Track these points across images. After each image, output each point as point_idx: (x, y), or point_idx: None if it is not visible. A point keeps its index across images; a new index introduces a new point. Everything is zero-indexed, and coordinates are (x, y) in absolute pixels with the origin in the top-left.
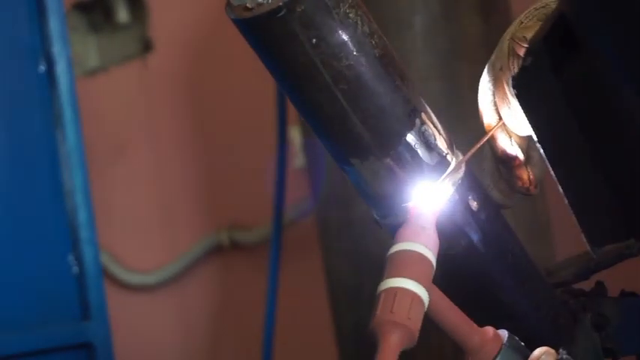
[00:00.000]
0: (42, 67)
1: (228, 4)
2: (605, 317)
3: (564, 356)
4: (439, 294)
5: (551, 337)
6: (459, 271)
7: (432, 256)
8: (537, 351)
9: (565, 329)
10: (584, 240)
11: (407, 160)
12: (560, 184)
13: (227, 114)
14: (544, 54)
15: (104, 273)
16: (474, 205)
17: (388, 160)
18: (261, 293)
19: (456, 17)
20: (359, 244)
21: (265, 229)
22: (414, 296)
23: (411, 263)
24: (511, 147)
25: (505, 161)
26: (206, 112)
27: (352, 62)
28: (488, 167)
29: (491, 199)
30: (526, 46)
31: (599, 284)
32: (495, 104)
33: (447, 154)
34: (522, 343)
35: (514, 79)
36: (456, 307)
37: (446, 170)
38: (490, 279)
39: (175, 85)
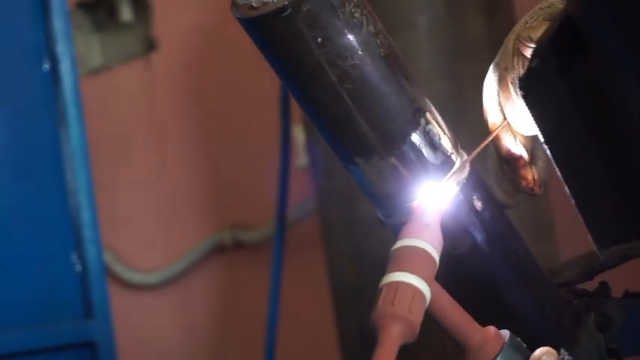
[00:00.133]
0: (46, 66)
1: (234, 3)
2: (608, 318)
3: (565, 357)
4: (441, 291)
5: (554, 337)
6: (463, 271)
7: (435, 254)
8: (538, 351)
9: (568, 329)
10: (591, 240)
11: (411, 159)
12: (567, 185)
13: (230, 113)
14: (551, 55)
15: (107, 272)
16: (478, 205)
17: (393, 160)
18: (264, 292)
19: (459, 17)
20: (362, 244)
21: (268, 229)
22: (416, 290)
23: (414, 258)
24: (516, 147)
25: (509, 161)
26: (209, 111)
27: (357, 62)
28: (492, 167)
29: (495, 199)
30: (531, 45)
31: (603, 285)
32: (500, 104)
33: (451, 153)
34: (524, 344)
35: (521, 79)
36: (457, 305)
37: (450, 170)
38: (494, 279)
39: (179, 84)
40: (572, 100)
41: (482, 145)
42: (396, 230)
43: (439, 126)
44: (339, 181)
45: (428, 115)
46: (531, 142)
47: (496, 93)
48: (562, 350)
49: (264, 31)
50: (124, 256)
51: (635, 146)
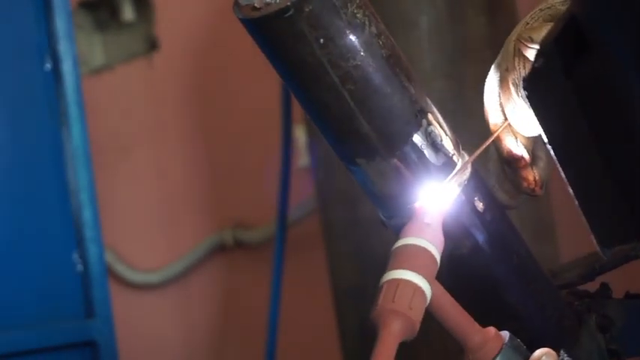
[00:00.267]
0: (48, 65)
1: (236, 4)
2: (609, 319)
3: (565, 357)
4: (442, 290)
5: (555, 338)
6: (465, 272)
7: (436, 252)
8: (538, 352)
9: (569, 330)
10: (594, 241)
11: (413, 160)
12: (570, 185)
13: (232, 113)
14: (555, 55)
15: (108, 271)
16: (479, 205)
17: (394, 161)
18: (265, 292)
19: (461, 17)
20: (363, 244)
21: (269, 229)
22: (417, 288)
23: (415, 256)
24: (517, 147)
25: (511, 162)
26: (211, 110)
27: (359, 62)
28: (493, 168)
29: (496, 200)
30: (532, 46)
31: (604, 286)
32: (501, 105)
33: (453, 154)
34: (523, 345)
35: (525, 80)
36: (458, 305)
37: (452, 171)
38: (495, 280)
39: (180, 83)
40: (576, 100)
41: (484, 146)
42: (397, 231)
43: (441, 127)
44: (341, 181)
45: (430, 116)
46: (532, 143)
47: (497, 94)
48: (562, 351)
49: (266, 31)
50: (125, 255)
51: (638, 146)
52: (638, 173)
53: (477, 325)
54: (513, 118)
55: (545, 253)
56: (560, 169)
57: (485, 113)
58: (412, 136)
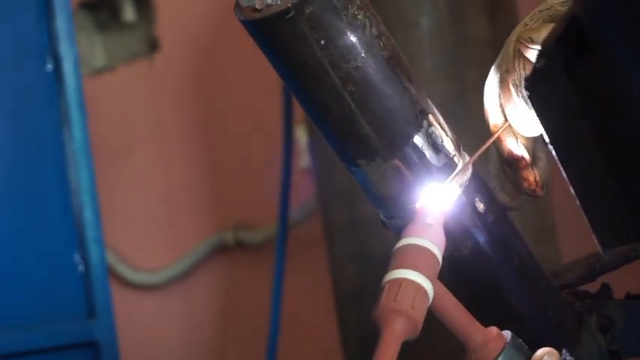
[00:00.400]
0: (49, 66)
1: (237, 5)
2: (610, 319)
3: (567, 357)
4: (444, 290)
5: (556, 338)
6: (466, 273)
7: (438, 252)
8: (540, 351)
9: (570, 331)
10: (595, 241)
11: (414, 161)
12: (572, 185)
13: (233, 113)
14: (557, 55)
15: (110, 272)
16: (480, 206)
17: (395, 162)
18: (266, 293)
19: (462, 18)
20: (364, 244)
21: (270, 229)
22: (419, 287)
23: (416, 256)
24: (517, 148)
25: (511, 162)
26: (212, 111)
27: (360, 64)
28: (494, 169)
29: (497, 201)
30: (532, 47)
31: (605, 286)
32: (501, 106)
33: (454, 155)
34: (525, 345)
35: (527, 80)
36: (460, 305)
37: (453, 172)
38: (496, 280)
39: (182, 84)
40: (578, 101)
41: (484, 147)
42: (398, 232)
43: (442, 128)
44: (342, 182)
45: (430, 117)
46: (533, 144)
47: (497, 95)
48: (564, 351)
49: (267, 33)
50: (127, 256)
51: None
52: None
53: (478, 325)
54: (514, 118)
55: (546, 253)
56: (561, 169)
57: (486, 114)
58: (413, 137)
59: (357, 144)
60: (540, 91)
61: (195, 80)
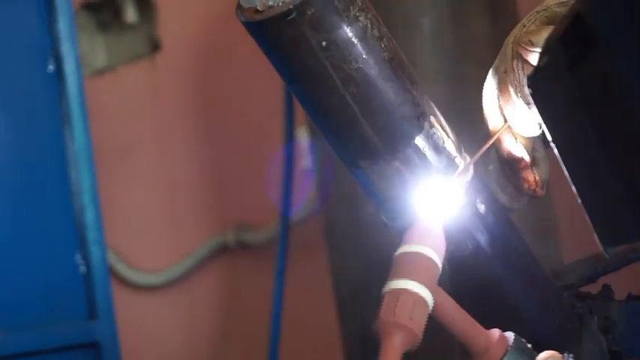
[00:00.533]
0: (50, 67)
1: (239, 7)
2: (611, 320)
3: (570, 359)
4: (444, 296)
5: (557, 340)
6: (467, 274)
7: (437, 258)
8: (543, 354)
9: (571, 332)
10: (597, 240)
11: (415, 163)
12: (574, 184)
13: (234, 114)
14: (560, 53)
15: (111, 272)
16: (481, 207)
17: (397, 163)
18: (268, 293)
19: (463, 19)
20: (365, 245)
21: (272, 229)
22: (417, 298)
23: (415, 265)
24: (517, 149)
25: (511, 163)
26: (213, 111)
27: (362, 65)
28: (494, 170)
29: (498, 201)
30: (533, 50)
31: (606, 287)
32: (500, 107)
33: (455, 157)
34: (529, 345)
35: (529, 78)
36: (461, 309)
37: (454, 173)
38: (497, 281)
39: (183, 84)
40: (581, 99)
41: (485, 147)
42: (400, 233)
43: (443, 130)
44: (343, 182)
45: (432, 118)
46: (532, 144)
47: (496, 96)
48: (566, 354)
49: (268, 34)
50: (128, 256)
51: None
52: None
53: (481, 329)
54: (513, 119)
55: (547, 254)
56: (563, 167)
57: (485, 115)
58: (414, 139)
59: (359, 145)
60: (543, 89)
61: (197, 81)
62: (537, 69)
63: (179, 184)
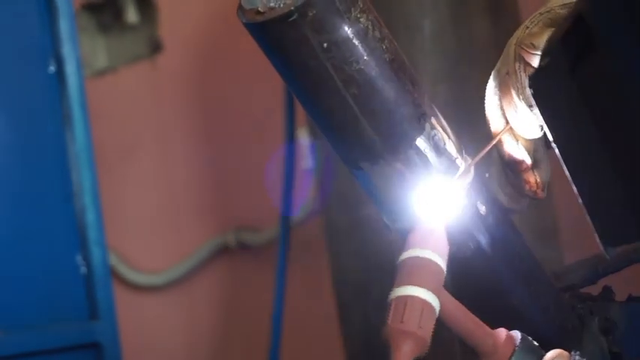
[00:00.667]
0: (52, 68)
1: (240, 8)
2: (612, 321)
3: (577, 357)
4: (450, 298)
5: (558, 341)
6: (468, 275)
7: (441, 262)
8: (550, 353)
9: (572, 333)
10: (597, 241)
11: (416, 164)
12: (574, 184)
13: (235, 114)
14: (561, 54)
15: (112, 273)
16: (482, 209)
17: (398, 164)
18: (269, 294)
19: (464, 20)
20: (366, 245)
21: (272, 230)
22: (425, 304)
23: (420, 270)
24: (518, 151)
25: (512, 165)
26: (214, 112)
27: (363, 67)
28: (495, 172)
29: (499, 202)
30: (533, 52)
31: (607, 288)
32: (502, 109)
33: (456, 158)
34: (536, 343)
35: (531, 78)
36: (467, 311)
37: (455, 175)
38: (498, 282)
39: (184, 85)
40: (582, 99)
41: (487, 149)
42: (401, 235)
43: (444, 131)
44: (344, 183)
45: (433, 120)
46: (533, 146)
47: (498, 98)
48: (573, 352)
49: (269, 36)
50: (129, 257)
51: None
52: None
53: (487, 329)
54: (514, 121)
55: (548, 256)
56: (564, 167)
57: (487, 117)
58: (415, 140)
59: (360, 146)
60: (544, 89)
61: (197, 82)
62: (539, 69)
63: (180, 185)
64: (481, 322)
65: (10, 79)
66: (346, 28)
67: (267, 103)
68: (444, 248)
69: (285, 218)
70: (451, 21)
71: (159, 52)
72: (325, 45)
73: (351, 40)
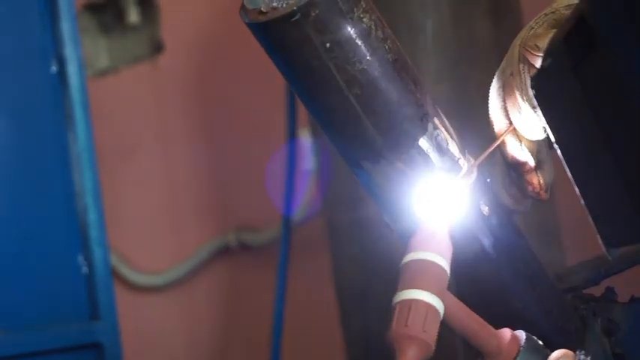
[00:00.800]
0: (53, 68)
1: (243, 8)
2: (614, 323)
3: (582, 357)
4: (454, 300)
5: (560, 341)
6: (471, 276)
7: (445, 263)
8: (556, 353)
9: (575, 334)
10: (600, 242)
11: (419, 164)
12: (577, 185)
13: (236, 115)
14: (564, 54)
15: (113, 273)
16: (485, 209)
17: (400, 164)
18: (269, 294)
19: (466, 21)
20: (367, 246)
21: (273, 231)
22: (429, 308)
23: (424, 273)
24: (521, 152)
25: (515, 166)
26: (215, 113)
27: (365, 67)
28: (499, 172)
29: (501, 203)
30: (537, 54)
31: (609, 290)
32: (506, 110)
33: (459, 158)
34: (541, 343)
35: (533, 79)
36: (471, 312)
37: (458, 175)
38: (501, 283)
39: (185, 86)
40: (584, 100)
41: (489, 150)
42: (403, 235)
43: (447, 131)
44: (345, 183)
45: (436, 120)
46: (537, 147)
47: (502, 99)
48: (578, 352)
49: (272, 35)
50: (130, 257)
51: None
52: None
53: (492, 330)
54: (518, 122)
55: (550, 257)
56: (566, 168)
57: (490, 118)
58: (418, 140)
59: (362, 146)
60: (546, 90)
61: (199, 82)
62: (541, 70)
63: (181, 185)
64: (485, 323)
65: (12, 79)
66: (349, 28)
67: (268, 104)
68: (447, 250)
69: (287, 218)
70: (452, 22)
71: (160, 53)
72: (328, 45)
73: (353, 40)
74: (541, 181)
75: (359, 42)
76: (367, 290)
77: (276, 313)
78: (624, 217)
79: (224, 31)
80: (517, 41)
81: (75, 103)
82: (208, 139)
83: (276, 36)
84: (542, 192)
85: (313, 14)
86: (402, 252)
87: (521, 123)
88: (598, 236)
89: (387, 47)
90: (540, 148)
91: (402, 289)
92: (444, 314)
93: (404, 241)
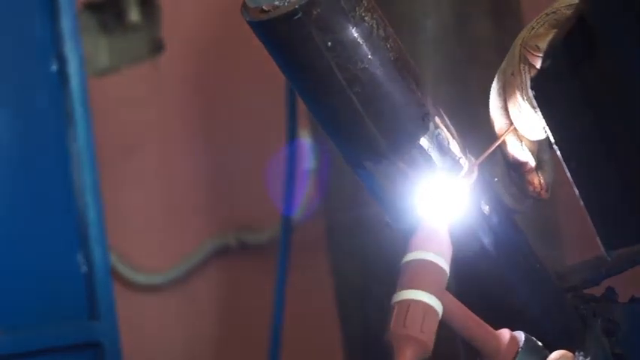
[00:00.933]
0: (54, 67)
1: (244, 6)
2: (615, 323)
3: (581, 357)
4: (453, 300)
5: (560, 341)
6: (471, 275)
7: (444, 264)
8: (555, 354)
9: (575, 334)
10: (599, 243)
11: (420, 163)
12: (577, 186)
13: (237, 115)
14: (563, 55)
15: (112, 273)
16: (485, 209)
17: (401, 164)
18: (269, 294)
19: (467, 20)
20: (366, 246)
21: (273, 231)
22: (427, 308)
23: (423, 273)
24: (522, 152)
25: (516, 166)
26: (216, 112)
27: (367, 66)
28: (499, 172)
29: (502, 203)
30: (538, 54)
31: (610, 290)
32: (506, 109)
33: (460, 158)
34: (540, 343)
35: (532, 80)
36: (470, 312)
37: (459, 174)
38: (501, 282)
39: (185, 85)
40: (584, 101)
41: (491, 149)
42: (404, 234)
43: (448, 130)
44: (345, 183)
45: (437, 119)
46: (537, 147)
47: (502, 99)
48: (577, 353)
49: (274, 34)
50: (130, 257)
51: None
52: None
53: (491, 330)
54: (519, 122)
55: (550, 256)
56: (566, 169)
57: (491, 118)
58: (419, 139)
59: (363, 145)
60: (546, 90)
61: (200, 82)
62: (541, 71)
63: (181, 185)
64: (484, 323)
65: (12, 77)
66: (351, 27)
67: (268, 104)
68: (448, 249)
69: (287, 218)
70: (454, 21)
71: (161, 52)
72: (329, 44)
73: (355, 38)
74: (542, 181)
75: (360, 41)
76: (367, 290)
77: (275, 312)
78: (624, 218)
79: (224, 31)
80: (518, 41)
81: (75, 102)
82: (208, 138)
83: (277, 34)
84: (542, 192)
85: (315, 13)
86: (401, 251)
87: (522, 123)
88: (598, 237)
89: (388, 46)
90: (541, 148)
91: (401, 289)
92: (443, 314)
93: (404, 240)
